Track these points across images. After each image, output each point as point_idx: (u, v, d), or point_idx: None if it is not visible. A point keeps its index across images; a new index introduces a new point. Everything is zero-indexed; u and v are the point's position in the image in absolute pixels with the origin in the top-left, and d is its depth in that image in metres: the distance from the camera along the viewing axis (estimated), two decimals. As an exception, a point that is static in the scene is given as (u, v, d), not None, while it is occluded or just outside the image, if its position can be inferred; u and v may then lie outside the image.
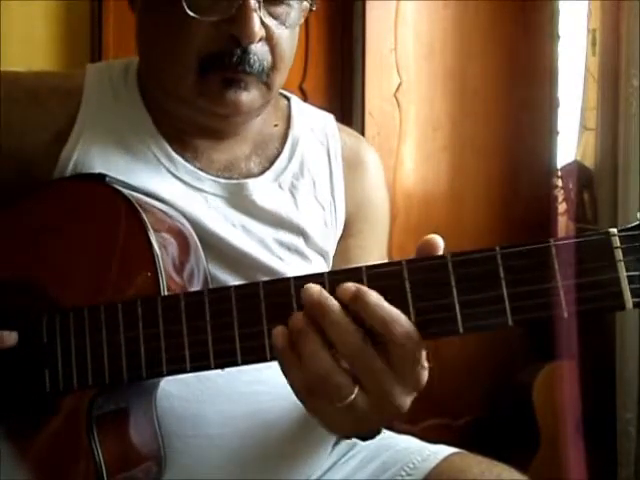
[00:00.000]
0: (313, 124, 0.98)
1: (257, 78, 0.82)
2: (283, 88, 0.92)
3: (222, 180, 0.88)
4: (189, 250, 0.79)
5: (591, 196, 2.20)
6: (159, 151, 0.87)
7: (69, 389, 0.71)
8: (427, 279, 0.60)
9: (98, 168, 0.83)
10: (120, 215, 0.75)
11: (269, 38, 0.82)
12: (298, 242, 0.90)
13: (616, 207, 2.11)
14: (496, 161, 2.34)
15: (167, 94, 0.86)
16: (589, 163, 2.25)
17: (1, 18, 1.68)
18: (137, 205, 0.75)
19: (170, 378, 0.72)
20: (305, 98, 1.95)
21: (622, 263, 0.56)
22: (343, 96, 2.17)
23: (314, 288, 0.61)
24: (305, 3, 0.85)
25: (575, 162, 2.24)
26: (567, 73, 2.43)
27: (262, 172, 0.91)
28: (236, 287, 0.65)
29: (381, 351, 0.60)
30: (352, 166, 0.98)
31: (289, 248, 0.89)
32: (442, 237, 0.62)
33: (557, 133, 2.45)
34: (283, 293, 0.63)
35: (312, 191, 0.93)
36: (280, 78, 0.86)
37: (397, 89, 2.16)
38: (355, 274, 0.62)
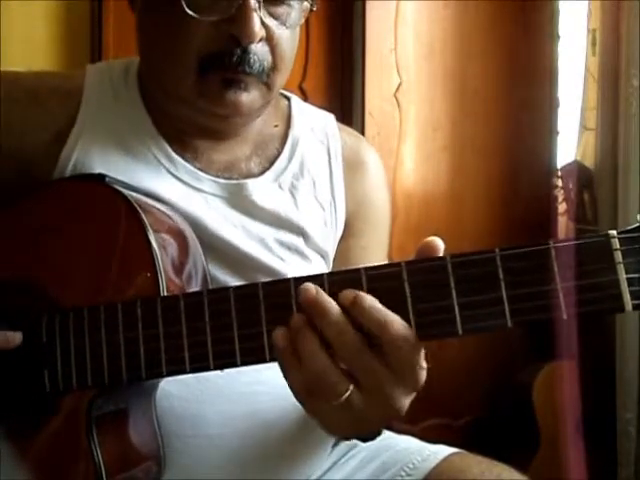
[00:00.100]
0: (313, 124, 0.98)
1: (257, 78, 0.82)
2: (283, 88, 0.92)
3: (222, 180, 0.88)
4: (189, 251, 0.79)
5: (591, 196, 2.20)
6: (159, 151, 0.87)
7: (69, 389, 0.71)
8: (426, 281, 0.60)
9: (98, 168, 0.83)
10: (120, 215, 0.75)
11: (269, 38, 0.82)
12: (298, 242, 0.90)
13: (616, 207, 2.11)
14: (496, 161, 2.34)
15: (167, 94, 0.86)
16: (589, 163, 2.25)
17: (1, 18, 1.68)
18: (137, 205, 0.75)
19: (170, 378, 0.72)
20: (305, 98, 1.95)
21: (622, 265, 0.56)
22: (343, 96, 2.17)
23: (311, 288, 0.61)
24: (305, 3, 0.84)
25: (575, 162, 2.24)
26: (567, 73, 2.43)
27: (262, 172, 0.91)
28: (235, 288, 0.66)
29: (379, 352, 0.60)
30: (352, 166, 0.98)
31: (289, 248, 0.89)
32: (442, 237, 0.62)
33: (557, 133, 2.45)
34: (282, 294, 0.63)
35: (312, 191, 0.93)
36: (281, 79, 0.86)
37: (397, 89, 2.16)
38: (354, 275, 0.62)
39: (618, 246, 0.56)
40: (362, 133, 2.01)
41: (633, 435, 2.06)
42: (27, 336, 0.73)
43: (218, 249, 0.84)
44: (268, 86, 0.84)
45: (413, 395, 0.64)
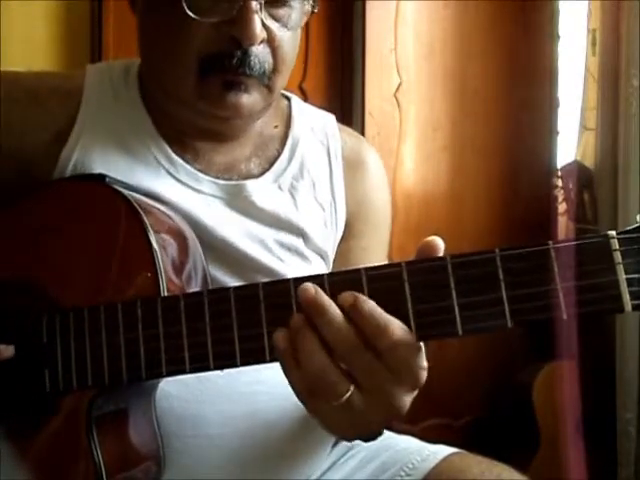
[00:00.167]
0: (313, 124, 0.98)
1: (258, 80, 0.82)
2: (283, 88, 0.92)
3: (221, 182, 0.88)
4: (189, 251, 0.79)
5: (591, 196, 2.20)
6: (159, 153, 0.87)
7: (69, 389, 0.71)
8: (426, 281, 0.60)
9: (98, 169, 0.83)
10: (120, 215, 0.75)
11: (270, 40, 0.81)
12: (298, 243, 0.90)
13: (616, 207, 2.11)
14: (496, 161, 2.34)
15: (168, 96, 0.86)
16: (589, 163, 2.25)
17: (1, 18, 1.68)
18: (137, 206, 0.75)
19: (169, 379, 0.72)
20: (305, 98, 1.95)
21: (621, 266, 0.56)
22: (343, 96, 2.17)
23: (310, 288, 0.61)
24: (307, 5, 0.84)
25: (575, 162, 2.24)
26: (567, 73, 2.43)
27: (262, 173, 0.91)
28: (235, 288, 0.66)
29: (378, 354, 0.60)
30: (352, 166, 0.98)
31: (289, 249, 0.89)
32: (442, 237, 0.62)
33: (557, 133, 2.45)
34: (282, 294, 0.63)
35: (312, 192, 0.93)
36: (281, 80, 0.86)
37: (397, 89, 2.17)
38: (355, 276, 0.62)
39: (617, 247, 0.57)
40: (362, 133, 2.01)
41: (633, 435, 2.07)
42: (27, 336, 0.73)
43: (218, 250, 0.84)
44: (269, 88, 0.84)
45: (414, 394, 0.64)
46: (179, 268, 0.75)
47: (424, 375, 0.62)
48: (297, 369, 0.61)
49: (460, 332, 0.59)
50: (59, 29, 1.88)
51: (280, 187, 0.91)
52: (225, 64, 0.80)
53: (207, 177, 0.87)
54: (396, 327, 0.60)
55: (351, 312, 0.60)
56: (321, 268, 0.92)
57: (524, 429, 2.11)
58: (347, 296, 0.61)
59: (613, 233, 0.57)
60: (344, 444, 0.96)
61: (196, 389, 0.81)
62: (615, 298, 0.56)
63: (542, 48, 2.40)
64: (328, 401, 0.61)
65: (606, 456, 2.06)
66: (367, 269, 0.62)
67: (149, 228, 0.73)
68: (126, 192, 0.77)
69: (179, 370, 0.67)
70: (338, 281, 0.62)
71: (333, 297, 0.61)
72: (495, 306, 0.58)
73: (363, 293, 0.61)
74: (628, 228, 0.57)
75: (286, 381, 0.63)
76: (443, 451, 0.93)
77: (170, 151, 0.87)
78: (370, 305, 0.60)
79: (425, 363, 0.62)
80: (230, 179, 0.89)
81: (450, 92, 2.26)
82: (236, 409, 0.83)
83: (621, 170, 2.09)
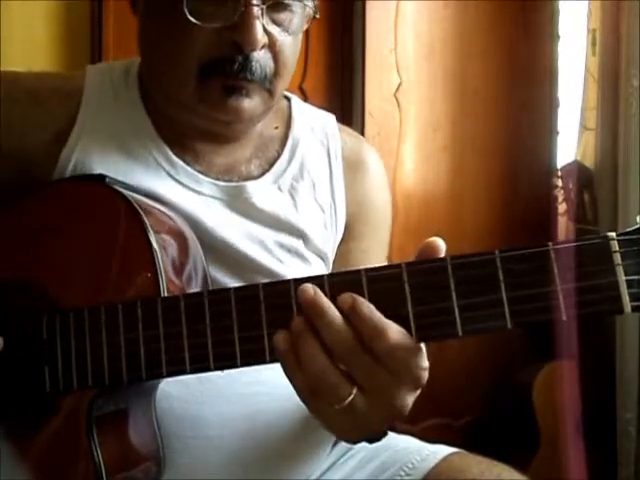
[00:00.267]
0: (313, 124, 0.98)
1: (259, 85, 0.82)
2: (282, 89, 0.92)
3: (221, 183, 0.88)
4: (189, 252, 0.79)
5: (591, 196, 2.20)
6: (159, 154, 0.87)
7: (69, 389, 0.71)
8: (426, 282, 0.60)
9: (97, 169, 0.83)
10: (120, 216, 0.75)
11: (272, 45, 0.81)
12: (298, 244, 0.90)
13: (616, 207, 2.11)
14: (496, 161, 2.34)
15: (168, 98, 0.86)
16: (589, 163, 2.24)
17: (1, 18, 1.68)
18: (137, 206, 0.75)
19: (169, 379, 0.72)
20: (305, 98, 1.95)
21: (621, 267, 0.56)
22: (343, 96, 2.17)
23: (309, 289, 0.61)
24: (308, 9, 0.84)
25: (575, 162, 2.24)
26: (567, 73, 2.43)
27: (262, 174, 0.91)
28: (236, 289, 0.66)
29: (377, 355, 0.60)
30: (353, 167, 0.98)
31: (289, 250, 0.89)
32: (442, 238, 0.62)
33: (557, 133, 2.45)
34: (283, 295, 0.63)
35: (312, 193, 0.93)
36: (282, 84, 0.86)
37: (397, 89, 2.16)
38: (355, 277, 0.62)
39: (617, 248, 0.57)
40: (362, 133, 2.01)
41: (633, 435, 2.07)
42: (27, 336, 0.73)
43: (218, 251, 0.84)
44: (270, 92, 0.84)
45: (416, 394, 0.64)
46: (179, 269, 0.76)
47: (425, 375, 0.62)
48: (298, 371, 0.61)
49: (460, 333, 0.59)
50: (59, 29, 1.88)
51: (280, 188, 0.91)
52: (226, 69, 0.80)
53: (207, 178, 0.87)
54: (394, 330, 0.60)
55: (350, 314, 0.60)
56: (321, 269, 0.92)
57: (524, 429, 2.11)
58: (346, 298, 0.61)
59: (613, 234, 0.57)
60: (344, 444, 0.96)
61: (196, 390, 0.81)
62: (615, 299, 0.56)
63: (542, 48, 2.40)
64: (330, 403, 0.61)
65: (606, 456, 2.06)
66: (367, 270, 0.62)
67: (149, 228, 0.73)
68: (126, 192, 0.77)
69: (179, 371, 0.67)
70: (338, 282, 0.62)
71: (333, 298, 0.61)
72: (495, 307, 0.58)
73: (363, 294, 0.61)
74: (628, 230, 0.57)
75: (286, 382, 0.63)
76: (443, 451, 0.93)
77: (170, 153, 0.87)
78: (368, 308, 0.60)
79: (426, 363, 0.62)
80: (230, 180, 0.89)
81: (450, 92, 2.26)
82: (236, 410, 0.83)
83: (621, 170, 2.09)
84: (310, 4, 0.84)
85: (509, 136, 2.35)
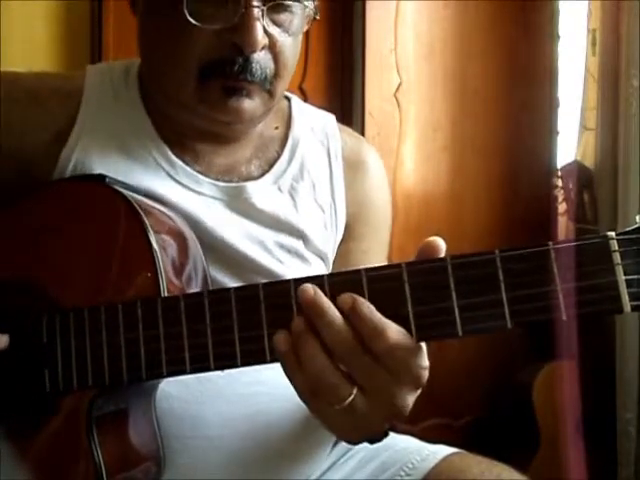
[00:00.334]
0: (313, 124, 0.98)
1: (260, 86, 0.82)
2: (282, 89, 0.92)
3: (221, 183, 0.88)
4: (189, 252, 0.79)
5: (591, 196, 2.20)
6: (159, 154, 0.87)
7: (69, 390, 0.71)
8: (426, 282, 0.60)
9: (97, 169, 0.83)
10: (120, 216, 0.75)
11: (272, 46, 0.81)
12: (298, 245, 0.90)
13: (616, 207, 2.11)
14: (496, 161, 2.34)
15: (168, 99, 0.86)
16: (589, 163, 2.24)
17: (1, 18, 1.68)
18: (137, 206, 0.75)
19: (170, 379, 0.72)
20: (305, 98, 1.95)
21: (620, 267, 0.56)
22: (343, 96, 2.17)
23: (309, 289, 0.61)
24: (308, 10, 0.84)
25: (575, 162, 2.24)
26: (567, 73, 2.43)
27: (262, 175, 0.91)
28: (236, 289, 0.66)
29: (377, 356, 0.60)
30: (353, 167, 0.98)
31: (289, 251, 0.89)
32: (442, 238, 0.62)
33: (557, 133, 2.45)
34: (283, 295, 0.63)
35: (312, 193, 0.93)
36: (283, 85, 0.86)
37: (397, 89, 2.16)
38: (355, 277, 0.62)
39: (617, 248, 0.57)
40: (362, 133, 2.01)
41: (633, 435, 2.06)
42: (27, 336, 0.73)
43: (218, 251, 0.84)
44: (270, 93, 0.84)
45: (417, 393, 0.64)
46: (179, 269, 0.76)
47: (425, 375, 0.62)
48: (299, 371, 0.61)
49: (460, 333, 0.59)
50: (59, 29, 1.88)
51: (280, 189, 0.91)
52: (226, 70, 0.80)
53: (207, 179, 0.87)
54: (394, 330, 0.60)
55: (350, 314, 0.60)
56: (321, 270, 0.92)
57: (524, 429, 2.11)
58: (346, 298, 0.61)
59: (612, 234, 0.57)
60: (344, 444, 0.96)
61: (196, 390, 0.81)
62: (614, 299, 0.56)
63: (542, 48, 2.40)
64: (331, 404, 0.61)
65: (606, 456, 2.06)
66: (367, 270, 0.62)
67: (149, 228, 0.73)
68: (126, 192, 0.77)
69: (179, 370, 0.67)
70: (338, 282, 0.62)
71: (333, 298, 0.61)
72: (495, 307, 0.58)
73: (363, 294, 0.61)
74: (627, 229, 0.57)
75: (286, 382, 0.63)
76: (443, 451, 0.93)
77: (170, 153, 0.87)
78: (368, 308, 0.60)
79: (426, 363, 0.62)
80: (230, 181, 0.89)
81: (450, 92, 2.26)
82: (236, 410, 0.83)
83: (621, 170, 2.09)
84: (310, 5, 0.84)
85: (509, 136, 2.35)
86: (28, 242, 0.78)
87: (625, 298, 0.56)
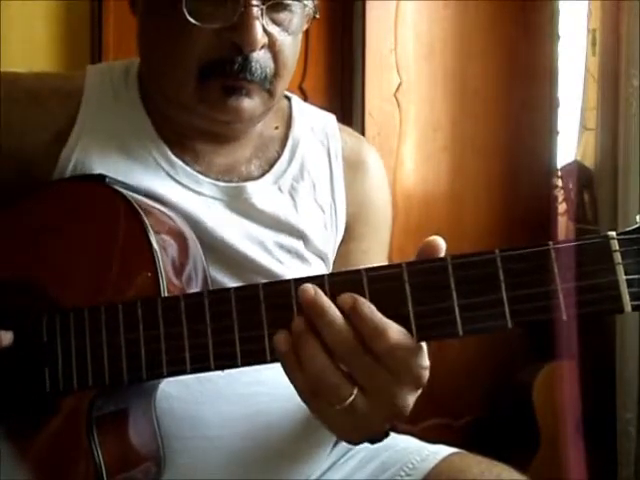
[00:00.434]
0: (314, 124, 0.98)
1: (259, 85, 0.82)
2: (282, 89, 0.92)
3: (221, 183, 0.88)
4: (189, 252, 0.79)
5: (591, 196, 2.20)
6: (159, 154, 0.87)
7: (69, 390, 0.71)
8: (427, 282, 0.60)
9: (97, 169, 0.83)
10: (120, 216, 0.75)
11: (271, 45, 0.81)
12: (298, 245, 0.90)
13: (616, 207, 2.11)
14: (496, 161, 2.34)
15: (168, 99, 0.86)
16: (589, 163, 2.25)
17: (1, 18, 1.68)
18: (137, 206, 0.75)
19: (170, 379, 0.72)
20: (305, 98, 1.95)
21: (621, 266, 0.56)
22: (343, 96, 2.17)
23: (309, 289, 0.61)
24: (308, 9, 0.84)
25: (575, 162, 2.24)
26: (567, 73, 2.43)
27: (262, 175, 0.91)
28: (236, 289, 0.66)
29: (377, 355, 0.60)
30: (353, 167, 0.98)
31: (289, 251, 0.89)
32: (442, 238, 0.62)
33: (557, 133, 2.45)
34: (283, 295, 0.63)
35: (312, 194, 0.93)
36: (283, 84, 0.86)
37: (397, 89, 2.16)
38: (355, 277, 0.62)
39: (617, 247, 0.57)
40: (362, 133, 2.01)
41: (633, 435, 2.06)
42: (27, 336, 0.73)
43: (218, 251, 0.84)
44: (270, 92, 0.84)
45: (417, 393, 0.64)
46: (179, 269, 0.75)
47: (426, 375, 0.62)
48: (299, 371, 0.61)
49: (460, 333, 0.59)
50: (59, 29, 1.88)
51: (280, 189, 0.91)
52: (226, 69, 0.79)
53: (207, 179, 0.87)
54: (394, 330, 0.60)
55: (350, 314, 0.60)
56: (321, 270, 0.92)
57: (524, 429, 2.11)
58: (346, 298, 0.61)
59: (613, 234, 0.57)
60: (344, 444, 0.96)
61: (196, 390, 0.81)
62: (615, 299, 0.56)
63: (542, 48, 2.40)
64: (331, 404, 0.61)
65: (606, 456, 2.06)
66: (368, 270, 0.62)
67: (149, 228, 0.73)
68: (126, 192, 0.77)
69: (180, 371, 0.67)
70: (338, 282, 0.62)
71: (333, 298, 0.61)
72: (495, 307, 0.58)
73: (364, 294, 0.61)
74: (628, 229, 0.57)
75: (286, 382, 0.63)
76: (443, 451, 0.93)
77: (170, 153, 0.87)
78: (369, 308, 0.60)
79: (427, 363, 0.62)
80: (230, 181, 0.89)
81: (450, 92, 2.26)
82: (236, 410, 0.83)
83: (621, 170, 2.09)
84: (310, 4, 0.84)
85: (509, 136, 2.35)
86: (28, 242, 0.78)
87: (626, 298, 0.56)
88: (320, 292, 0.61)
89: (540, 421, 2.08)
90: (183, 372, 0.67)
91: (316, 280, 0.62)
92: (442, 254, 0.61)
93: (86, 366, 0.70)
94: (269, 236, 0.88)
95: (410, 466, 0.91)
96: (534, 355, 2.21)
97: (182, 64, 0.81)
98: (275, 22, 0.81)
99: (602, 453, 2.02)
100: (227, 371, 0.66)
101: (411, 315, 0.60)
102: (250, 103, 0.83)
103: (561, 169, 2.26)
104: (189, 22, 0.78)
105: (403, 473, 0.91)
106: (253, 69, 0.80)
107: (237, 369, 0.66)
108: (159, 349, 0.67)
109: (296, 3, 0.82)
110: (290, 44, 0.84)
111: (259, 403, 0.84)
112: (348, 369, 0.61)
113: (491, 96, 2.31)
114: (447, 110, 2.25)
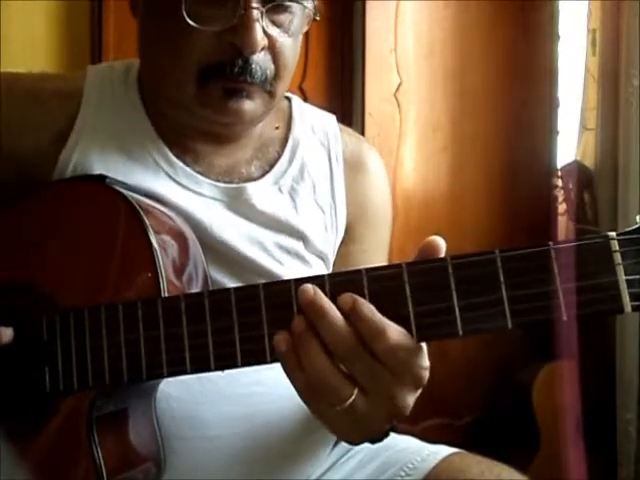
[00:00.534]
0: (314, 124, 0.98)
1: (260, 87, 0.82)
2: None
3: (222, 184, 0.88)
4: (189, 252, 0.79)
5: (591, 196, 2.20)
6: (159, 155, 0.87)
7: (69, 390, 0.71)
8: (427, 282, 0.60)
9: (97, 170, 0.83)
10: (120, 216, 0.75)
11: (272, 47, 0.81)
12: (298, 246, 0.90)
13: (616, 207, 2.11)
14: (496, 161, 2.34)
15: (168, 100, 0.86)
16: (589, 163, 2.25)
17: (1, 18, 1.68)
18: (137, 206, 0.75)
19: (170, 379, 0.72)
20: (305, 98, 1.95)
21: (621, 266, 0.56)
22: (343, 96, 2.17)
23: (309, 289, 0.61)
24: (308, 10, 0.84)
25: (575, 162, 2.24)
26: (567, 73, 2.43)
27: (262, 176, 0.90)
28: (236, 289, 0.66)
29: (377, 356, 0.60)
30: (353, 167, 0.98)
31: (289, 252, 0.89)
32: (442, 238, 0.62)
33: (557, 133, 2.45)
34: (283, 295, 0.63)
35: (312, 194, 0.93)
36: (283, 86, 0.85)
37: (397, 89, 2.16)
38: (355, 277, 0.62)
39: (617, 248, 0.57)
40: (362, 133, 2.01)
41: (633, 435, 2.07)
42: (27, 337, 0.73)
43: (218, 252, 0.84)
44: (270, 94, 0.84)
45: (417, 393, 0.64)
46: (179, 269, 0.75)
47: (426, 375, 0.63)
48: (299, 371, 0.61)
49: (460, 333, 0.59)
50: (59, 29, 1.87)
51: (280, 189, 0.91)
52: (226, 72, 0.79)
53: (207, 180, 0.87)
54: (394, 331, 0.60)
55: (350, 314, 0.60)
56: (321, 271, 0.92)
57: (524, 429, 2.11)
58: (346, 298, 0.61)
59: (613, 234, 0.57)
60: (344, 444, 0.96)
61: (196, 390, 0.81)
62: (615, 299, 0.56)
63: (542, 48, 2.40)
64: (331, 404, 0.61)
65: (606, 456, 2.06)
66: (368, 270, 0.62)
67: (149, 228, 0.73)
68: (126, 193, 0.77)
69: (180, 371, 0.67)
70: (339, 282, 0.62)
71: (333, 298, 0.61)
72: (495, 307, 0.58)
73: (364, 294, 0.61)
74: (628, 229, 0.57)
75: (286, 382, 0.63)
76: (443, 451, 0.93)
77: (170, 154, 0.87)
78: (369, 308, 0.60)
79: (427, 363, 0.62)
80: (230, 182, 0.89)
81: (450, 92, 2.26)
82: (236, 410, 0.83)
83: (621, 170, 2.09)
84: (310, 5, 0.84)
85: (509, 136, 2.35)
86: (28, 242, 0.78)
87: (626, 298, 0.56)
88: (320, 292, 0.61)
89: (540, 421, 2.07)
90: (183, 372, 0.67)
91: (316, 280, 0.62)
92: (442, 254, 0.62)
93: (86, 366, 0.70)
94: (269, 237, 0.88)
95: (410, 466, 0.91)
96: (534, 355, 2.21)
97: (182, 66, 0.81)
98: (275, 24, 0.81)
99: (602, 453, 2.02)
100: (227, 371, 0.66)
101: (411, 315, 0.60)
102: (251, 105, 0.82)
103: (561, 169, 2.26)
104: (189, 24, 0.78)
105: (403, 473, 0.91)
106: (253, 71, 0.80)
107: (237, 369, 0.66)
108: (159, 349, 0.67)
109: (296, 5, 0.82)
110: (290, 46, 0.84)
111: (259, 403, 0.84)
112: (348, 369, 0.61)
113: (491, 96, 2.31)
114: (447, 110, 2.25)
